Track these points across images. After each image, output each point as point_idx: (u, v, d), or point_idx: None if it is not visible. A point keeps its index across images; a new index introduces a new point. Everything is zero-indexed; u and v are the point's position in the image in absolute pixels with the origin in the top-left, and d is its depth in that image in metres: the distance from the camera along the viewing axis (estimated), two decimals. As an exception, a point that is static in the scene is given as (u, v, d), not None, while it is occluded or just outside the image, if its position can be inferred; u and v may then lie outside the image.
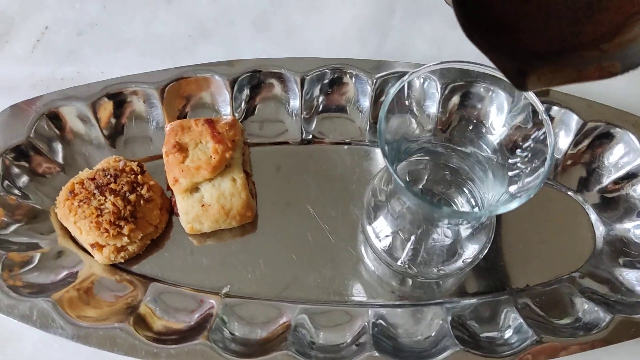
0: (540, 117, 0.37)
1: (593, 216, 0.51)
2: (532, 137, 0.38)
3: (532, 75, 0.46)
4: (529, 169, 0.37)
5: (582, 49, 0.45)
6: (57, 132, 0.51)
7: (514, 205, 0.34)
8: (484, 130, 0.44)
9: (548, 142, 0.36)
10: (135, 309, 0.46)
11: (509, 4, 0.47)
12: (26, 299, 0.44)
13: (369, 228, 0.48)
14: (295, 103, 0.53)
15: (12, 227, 0.48)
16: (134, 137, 0.53)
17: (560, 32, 0.45)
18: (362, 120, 0.54)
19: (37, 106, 0.51)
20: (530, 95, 0.38)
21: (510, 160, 0.40)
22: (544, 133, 0.36)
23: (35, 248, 0.48)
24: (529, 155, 0.38)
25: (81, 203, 0.47)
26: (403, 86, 0.39)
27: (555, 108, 0.50)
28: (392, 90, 0.38)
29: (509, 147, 0.40)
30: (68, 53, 0.59)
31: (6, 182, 0.49)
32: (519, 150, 0.39)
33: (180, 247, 0.50)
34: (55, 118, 0.51)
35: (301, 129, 0.54)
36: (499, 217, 0.49)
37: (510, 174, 0.39)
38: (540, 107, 0.37)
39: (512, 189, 0.38)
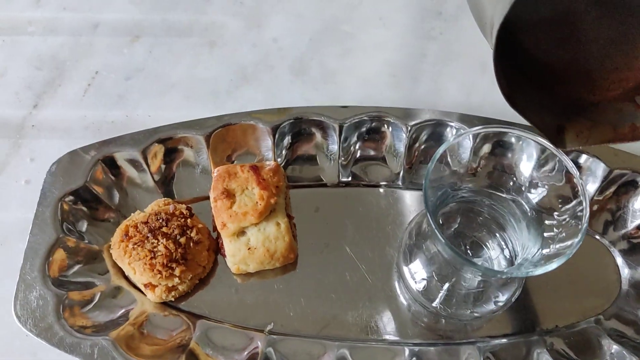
0: (575, 181, 0.40)
1: (619, 259, 0.53)
2: (569, 204, 0.40)
3: (570, 132, 0.48)
4: (564, 233, 0.40)
5: (620, 100, 0.47)
6: (112, 177, 0.55)
7: (552, 266, 0.37)
8: (515, 180, 0.47)
9: (583, 213, 0.39)
10: (186, 347, 0.49)
11: (553, 52, 0.49)
12: (87, 338, 0.47)
13: (405, 269, 0.51)
14: (333, 148, 0.57)
15: (75, 268, 0.51)
16: (181, 180, 0.57)
17: (600, 78, 0.48)
18: (396, 165, 0.57)
19: (92, 152, 0.54)
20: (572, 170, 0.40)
21: (547, 222, 0.42)
22: (580, 203, 0.39)
23: (91, 287, 0.51)
24: (565, 220, 0.40)
25: (135, 246, 0.51)
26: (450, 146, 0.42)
27: (583, 156, 0.53)
28: (441, 149, 0.41)
29: (546, 208, 0.43)
30: (117, 97, 0.63)
31: (65, 224, 0.52)
32: (556, 214, 0.42)
33: (225, 285, 0.53)
34: (109, 164, 0.54)
35: (339, 172, 0.57)
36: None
37: (545, 234, 0.42)
38: (578, 177, 0.40)
39: (546, 251, 0.41)
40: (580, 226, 0.39)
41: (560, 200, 0.42)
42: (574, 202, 0.40)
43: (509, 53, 0.49)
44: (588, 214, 0.38)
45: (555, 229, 0.41)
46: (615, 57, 0.45)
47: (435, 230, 0.39)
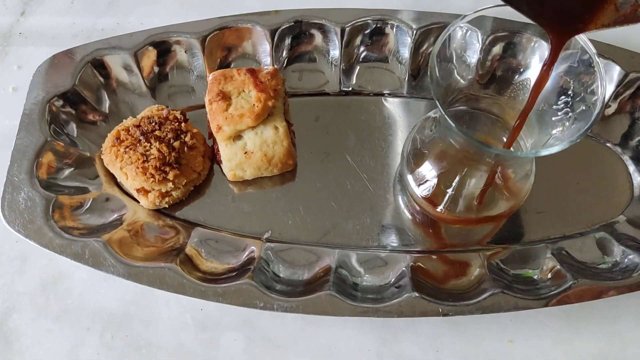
0: (590, 61, 0.37)
1: (631, 167, 0.51)
2: (579, 84, 0.38)
3: (571, 21, 0.45)
4: (574, 114, 0.38)
5: None
6: (102, 80, 0.52)
7: (556, 149, 0.35)
8: (526, 80, 0.45)
9: (598, 88, 0.36)
10: (181, 251, 0.47)
11: None
12: (78, 239, 0.46)
13: (409, 177, 0.49)
14: (335, 53, 0.54)
15: (65, 173, 0.49)
16: (176, 87, 0.54)
17: None
18: (401, 71, 0.54)
19: (81, 55, 0.52)
20: (582, 38, 0.38)
21: (554, 107, 0.40)
22: (592, 80, 0.36)
23: (84, 192, 0.49)
24: (576, 101, 0.38)
25: (127, 149, 0.48)
26: (449, 35, 0.40)
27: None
28: (440, 38, 0.39)
29: (554, 93, 0.40)
30: (107, 4, 0.60)
31: (53, 126, 0.50)
32: (563, 97, 0.39)
33: (221, 194, 0.51)
34: (99, 66, 0.52)
35: (340, 80, 0.54)
36: (537, 167, 0.49)
37: (554, 118, 0.40)
38: (592, 50, 0.37)
39: (555, 131, 0.39)
40: (594, 101, 0.36)
41: (569, 84, 0.39)
42: (586, 81, 0.38)
43: None
44: (605, 89, 0.36)
45: (566, 109, 0.39)
46: None
47: (444, 115, 0.37)
